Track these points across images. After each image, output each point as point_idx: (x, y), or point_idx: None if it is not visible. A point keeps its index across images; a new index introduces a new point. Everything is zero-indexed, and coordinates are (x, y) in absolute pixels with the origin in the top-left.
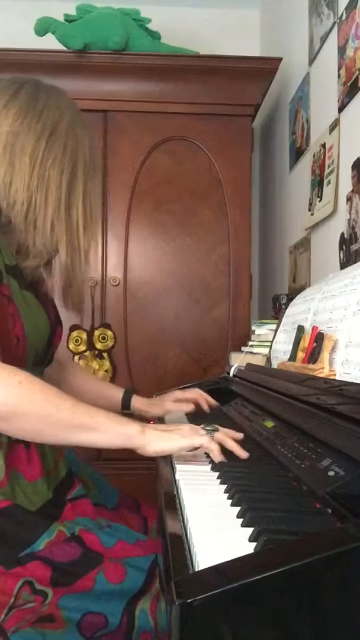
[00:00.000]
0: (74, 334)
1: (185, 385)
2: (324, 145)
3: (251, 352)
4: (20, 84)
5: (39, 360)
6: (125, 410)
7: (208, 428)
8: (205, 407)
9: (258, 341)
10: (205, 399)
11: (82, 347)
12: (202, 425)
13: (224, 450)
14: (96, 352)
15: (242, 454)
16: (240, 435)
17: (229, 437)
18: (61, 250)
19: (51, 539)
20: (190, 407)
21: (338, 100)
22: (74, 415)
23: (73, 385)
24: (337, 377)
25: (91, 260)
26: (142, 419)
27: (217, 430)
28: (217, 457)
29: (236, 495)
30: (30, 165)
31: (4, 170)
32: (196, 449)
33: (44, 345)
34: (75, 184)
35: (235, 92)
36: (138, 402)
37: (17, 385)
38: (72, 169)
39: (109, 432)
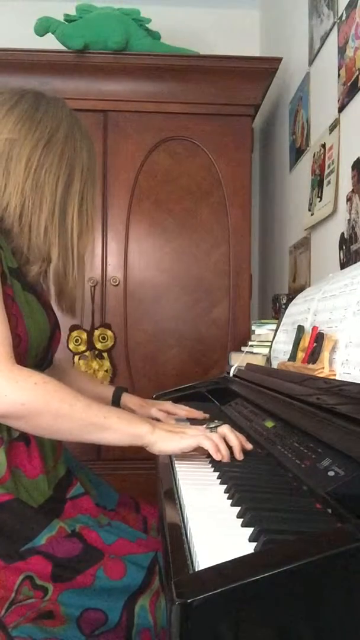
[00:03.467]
0: (74, 334)
1: (185, 385)
2: (324, 145)
3: (251, 352)
4: (21, 94)
5: (39, 361)
6: (115, 406)
7: (212, 425)
8: (200, 417)
9: (258, 341)
10: (197, 414)
11: (82, 347)
12: (205, 424)
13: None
14: (96, 352)
15: (239, 454)
16: (249, 446)
17: (233, 433)
18: (53, 255)
19: (52, 534)
20: (171, 421)
21: (338, 100)
22: (88, 415)
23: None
24: (337, 377)
25: (86, 265)
26: None
27: (221, 425)
28: (216, 455)
29: (236, 495)
30: (25, 171)
31: (0, 175)
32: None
33: (45, 346)
34: (72, 190)
35: (235, 92)
36: (128, 400)
37: (33, 386)
38: (68, 176)
39: (120, 431)
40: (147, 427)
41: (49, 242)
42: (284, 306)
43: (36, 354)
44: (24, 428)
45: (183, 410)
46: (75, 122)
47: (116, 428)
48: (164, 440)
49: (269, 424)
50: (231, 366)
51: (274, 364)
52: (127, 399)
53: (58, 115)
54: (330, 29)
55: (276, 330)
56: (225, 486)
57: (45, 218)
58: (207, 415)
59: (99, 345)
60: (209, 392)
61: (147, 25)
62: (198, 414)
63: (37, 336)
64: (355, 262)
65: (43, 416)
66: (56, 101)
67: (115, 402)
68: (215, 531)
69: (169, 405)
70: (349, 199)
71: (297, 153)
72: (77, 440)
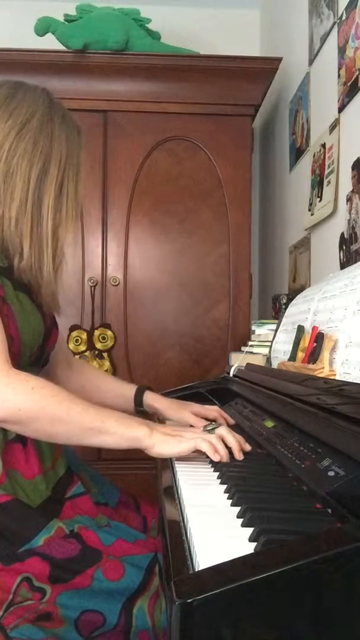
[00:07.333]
0: (74, 334)
1: (185, 385)
2: (324, 145)
3: (251, 352)
4: None
5: (34, 360)
6: (138, 407)
7: (209, 428)
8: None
9: (258, 341)
10: (225, 419)
11: (82, 347)
12: (203, 427)
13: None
14: (96, 352)
15: (239, 455)
16: (248, 447)
17: (231, 434)
18: (24, 247)
19: (50, 535)
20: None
21: (338, 100)
22: (85, 420)
23: (83, 386)
24: (337, 377)
25: (67, 259)
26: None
27: (218, 427)
28: (214, 456)
29: (236, 495)
30: None
31: None
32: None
33: (39, 345)
34: (48, 179)
35: (235, 92)
36: (151, 399)
37: (30, 391)
38: (43, 165)
39: (118, 435)
40: (145, 430)
41: (21, 233)
42: (284, 306)
43: (30, 354)
44: (22, 432)
45: (214, 412)
46: (55, 108)
47: (114, 432)
48: (161, 443)
49: (269, 424)
50: (231, 366)
51: (274, 364)
52: (151, 398)
53: (34, 103)
54: (330, 29)
55: (276, 330)
56: (225, 486)
57: (16, 207)
58: (232, 421)
59: (99, 345)
60: (209, 392)
61: (147, 25)
62: (228, 419)
63: (30, 336)
64: (355, 262)
65: (40, 421)
66: (34, 89)
67: (138, 403)
68: (215, 531)
69: (198, 407)
70: (349, 199)
71: (297, 153)
72: (76, 444)
